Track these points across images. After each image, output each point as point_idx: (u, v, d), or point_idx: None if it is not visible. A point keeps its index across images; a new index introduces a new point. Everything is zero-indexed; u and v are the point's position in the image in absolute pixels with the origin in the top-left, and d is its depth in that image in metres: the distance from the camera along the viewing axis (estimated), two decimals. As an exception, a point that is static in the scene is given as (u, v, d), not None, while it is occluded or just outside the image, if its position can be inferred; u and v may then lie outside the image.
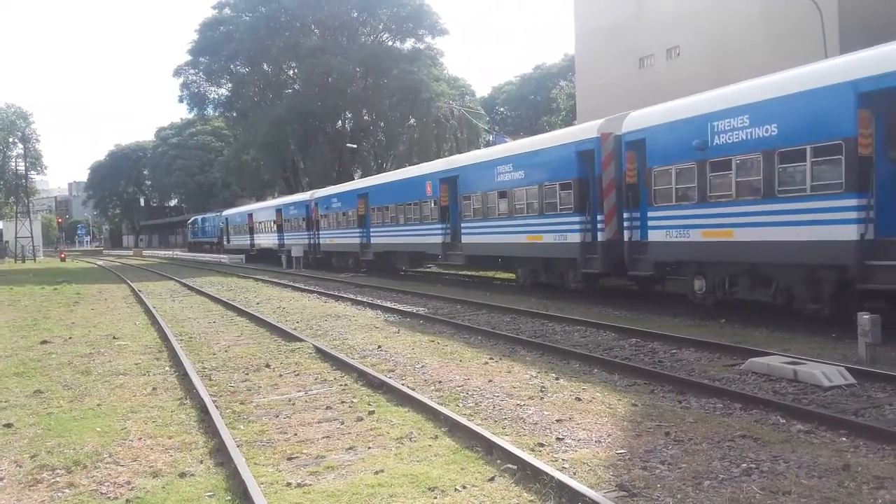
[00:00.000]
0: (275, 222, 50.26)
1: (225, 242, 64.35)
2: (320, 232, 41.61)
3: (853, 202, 12.09)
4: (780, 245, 13.52)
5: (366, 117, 66.48)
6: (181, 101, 69.86)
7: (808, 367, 9.59)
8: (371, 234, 34.42)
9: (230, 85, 68.66)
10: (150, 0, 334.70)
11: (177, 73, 67.45)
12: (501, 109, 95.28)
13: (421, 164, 33.41)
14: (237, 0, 64.89)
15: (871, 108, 11.96)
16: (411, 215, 29.89)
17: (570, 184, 19.45)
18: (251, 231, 56.48)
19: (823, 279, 13.19)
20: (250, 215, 57.05)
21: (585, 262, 19.19)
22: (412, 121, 64.62)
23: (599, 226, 18.72)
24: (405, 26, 62.85)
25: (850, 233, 12.14)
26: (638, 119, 17.51)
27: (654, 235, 16.69)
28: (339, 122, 66.90)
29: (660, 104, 17.69)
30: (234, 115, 71.23)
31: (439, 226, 27.31)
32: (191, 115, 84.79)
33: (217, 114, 76.76)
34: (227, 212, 66.84)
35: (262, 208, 55.25)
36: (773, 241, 13.61)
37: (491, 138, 68.21)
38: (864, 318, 10.48)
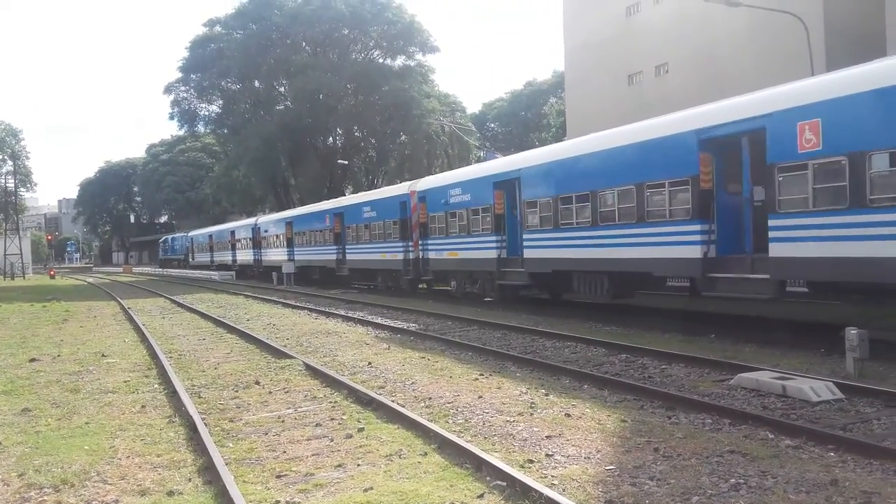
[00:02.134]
0: (229, 242, 59.11)
1: (190, 259, 73.06)
2: (262, 250, 51.19)
3: (494, 237, 23.00)
4: (475, 260, 24.41)
5: (357, 133, 66.60)
6: (172, 117, 70.07)
7: (797, 382, 9.63)
8: (295, 252, 44.11)
9: (221, 102, 68.80)
10: (141, 18, 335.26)
11: (167, 90, 67.62)
12: (492, 125, 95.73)
13: (323, 202, 43.54)
14: (228, 18, 65.08)
15: (501, 189, 22.87)
16: (318, 239, 39.82)
17: (397, 222, 30.11)
18: (211, 249, 65.43)
19: (493, 279, 23.54)
20: (210, 236, 66.08)
21: (406, 272, 29.69)
22: (403, 137, 64.79)
23: (410, 248, 29.04)
24: (396, 43, 63.13)
25: (494, 254, 22.99)
26: (424, 183, 29.12)
27: (432, 255, 27.25)
28: (330, 138, 67.03)
29: (434, 175, 32.54)
30: (225, 131, 71.28)
31: (334, 247, 37.31)
32: (181, 132, 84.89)
33: (208, 130, 76.84)
34: (193, 233, 75.88)
35: (220, 230, 63.65)
36: (473, 258, 24.48)
37: (482, 154, 68.47)
38: (851, 333, 10.55)
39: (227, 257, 59.94)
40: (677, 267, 16.29)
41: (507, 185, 22.64)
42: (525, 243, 21.42)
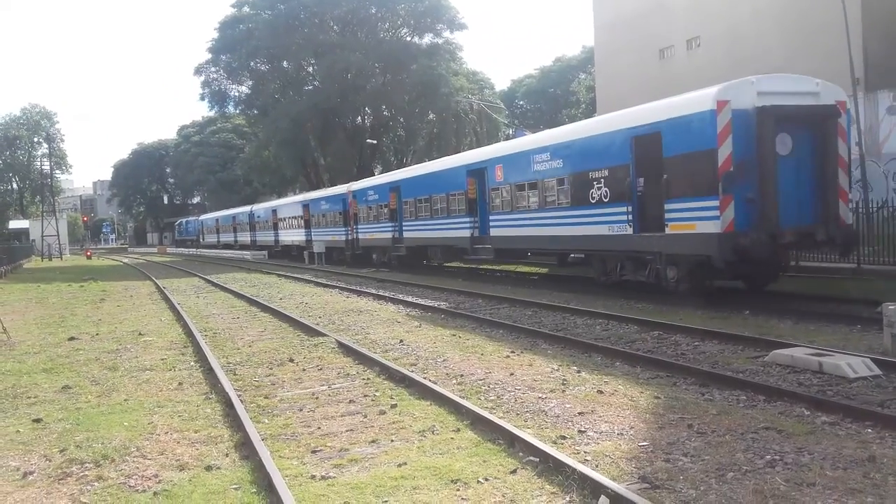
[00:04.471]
0: (231, 226, 70.12)
1: (201, 240, 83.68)
2: (255, 232, 61.65)
3: (390, 224, 33.88)
4: (381, 240, 35.13)
5: (385, 113, 66.36)
6: (202, 99, 70.19)
7: (834, 358, 9.50)
8: (280, 234, 54.51)
9: (250, 82, 68.80)
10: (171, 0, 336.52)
11: (198, 71, 67.73)
12: (521, 103, 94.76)
13: (297, 195, 56.66)
14: (256, -2, 65.03)
15: (393, 192, 33.42)
16: (294, 224, 50.62)
17: (341, 213, 40.71)
18: (217, 231, 76.21)
19: (390, 252, 34.60)
20: (217, 220, 76.92)
21: (347, 249, 39.68)
22: (431, 115, 64.46)
23: (349, 232, 39.42)
24: (423, 21, 62.67)
25: (390, 235, 33.74)
26: (356, 185, 40.13)
27: (361, 236, 37.91)
28: (359, 117, 66.93)
29: (361, 180, 42.85)
30: (255, 112, 71.41)
31: (304, 230, 47.92)
32: (212, 113, 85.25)
33: (238, 111, 77.08)
34: (203, 217, 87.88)
35: (224, 215, 74.58)
36: (380, 238, 35.29)
37: (511, 132, 67.99)
38: (889, 308, 10.36)
39: (230, 238, 70.65)
40: (461, 242, 27.12)
41: (396, 189, 33.28)
42: (404, 228, 32.36)
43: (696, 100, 15.78)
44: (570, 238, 20.16)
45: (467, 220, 26.37)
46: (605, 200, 18.19)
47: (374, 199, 35.91)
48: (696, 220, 15.33)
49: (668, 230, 16.19)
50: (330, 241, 42.23)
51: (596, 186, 18.51)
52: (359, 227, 37.92)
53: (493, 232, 24.34)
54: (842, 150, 15.68)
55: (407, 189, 32.12)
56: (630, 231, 17.36)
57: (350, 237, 39.10)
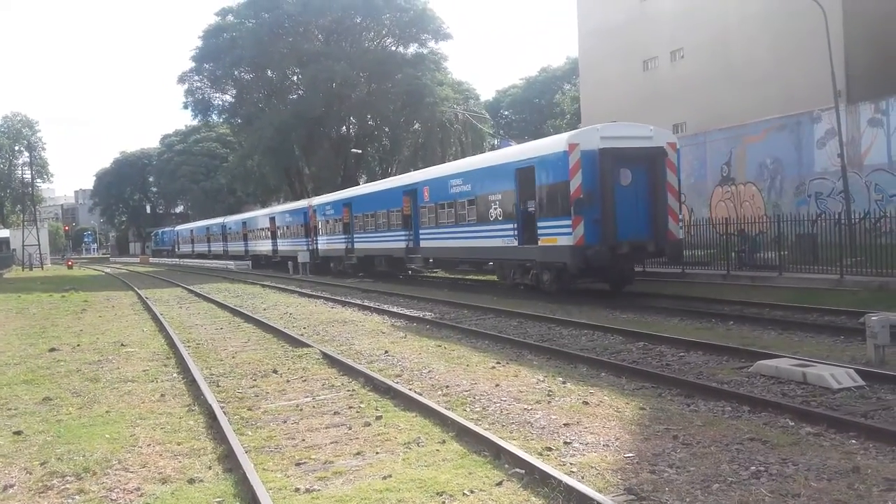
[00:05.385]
0: (205, 236, 74.33)
1: (177, 249, 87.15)
2: (227, 243, 65.92)
3: (343, 236, 37.74)
4: (337, 249, 38.52)
5: (370, 122, 66.28)
6: (186, 107, 69.80)
7: (817, 369, 9.55)
8: (248, 245, 58.76)
9: (234, 91, 68.59)
10: (154, 8, 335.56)
11: (181, 79, 67.42)
12: (506, 113, 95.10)
13: (264, 209, 60.29)
14: (240, 6, 64.80)
15: (346, 207, 37.00)
16: (262, 235, 54.71)
17: (303, 225, 44.45)
18: (192, 241, 79.77)
19: (343, 261, 37.81)
20: (192, 231, 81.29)
21: (309, 259, 42.35)
22: (416, 125, 64.50)
23: (310, 243, 43.13)
24: (408, 31, 62.75)
25: (343, 246, 37.56)
26: (315, 200, 43.60)
27: (320, 246, 41.65)
28: (344, 127, 66.79)
29: (321, 196, 46.23)
30: (239, 121, 71.02)
31: (270, 241, 51.96)
32: (195, 122, 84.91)
33: (222, 120, 76.73)
34: (178, 227, 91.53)
35: (199, 226, 78.85)
36: (336, 248, 38.72)
37: (496, 142, 68.14)
38: (872, 319, 10.45)
39: (203, 248, 74.53)
40: (398, 252, 30.90)
41: (348, 205, 36.92)
42: (355, 240, 36.26)
43: (555, 142, 20.24)
44: (478, 249, 24.34)
45: (403, 233, 30.29)
46: (500, 219, 22.36)
47: (330, 213, 39.91)
48: (558, 235, 19.37)
49: (540, 243, 20.26)
50: (294, 251, 45.88)
51: (493, 207, 22.73)
52: (318, 238, 42.22)
53: (423, 244, 28.48)
54: (671, 180, 19.53)
55: (357, 205, 36.21)
56: (516, 243, 21.58)
57: (311, 247, 43.35)
